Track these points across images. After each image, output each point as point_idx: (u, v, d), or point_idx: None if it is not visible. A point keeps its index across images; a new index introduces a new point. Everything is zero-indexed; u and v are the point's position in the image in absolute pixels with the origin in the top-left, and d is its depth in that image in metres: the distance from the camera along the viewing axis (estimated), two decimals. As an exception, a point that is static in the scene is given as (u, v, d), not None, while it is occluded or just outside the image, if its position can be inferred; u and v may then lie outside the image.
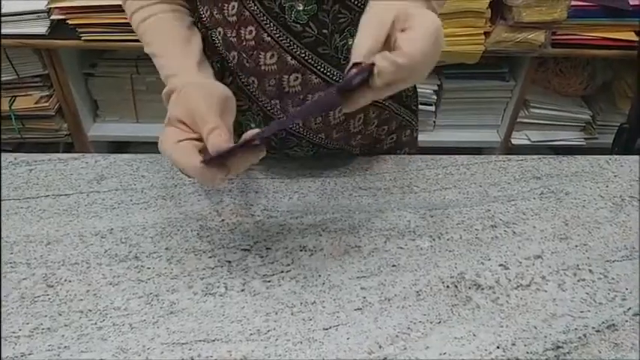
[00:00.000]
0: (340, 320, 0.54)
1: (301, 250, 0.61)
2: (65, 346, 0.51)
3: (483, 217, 0.66)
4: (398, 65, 0.45)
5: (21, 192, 0.68)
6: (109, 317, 0.54)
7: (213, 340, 0.52)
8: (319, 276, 0.58)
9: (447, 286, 0.58)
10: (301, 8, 0.59)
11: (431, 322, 0.54)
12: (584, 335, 0.54)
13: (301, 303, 0.56)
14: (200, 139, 0.51)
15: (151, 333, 0.53)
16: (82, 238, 0.62)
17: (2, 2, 1.37)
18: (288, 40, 0.61)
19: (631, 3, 1.43)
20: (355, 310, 0.55)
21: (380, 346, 0.52)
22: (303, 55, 0.62)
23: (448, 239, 0.63)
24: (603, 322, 0.55)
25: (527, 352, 0.52)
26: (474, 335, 0.53)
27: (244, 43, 0.62)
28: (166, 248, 0.61)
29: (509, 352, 0.52)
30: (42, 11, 1.41)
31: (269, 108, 0.66)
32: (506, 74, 1.63)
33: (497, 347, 0.52)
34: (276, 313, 0.55)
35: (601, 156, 0.78)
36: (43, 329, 0.53)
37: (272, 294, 0.57)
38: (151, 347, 0.51)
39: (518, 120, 1.68)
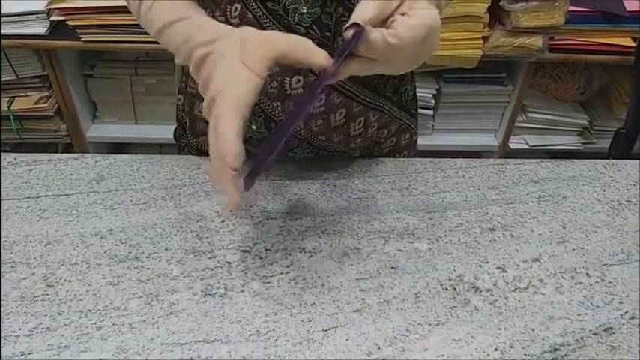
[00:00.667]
0: (339, 321, 0.55)
1: (300, 252, 0.62)
2: (65, 346, 0.51)
3: (481, 220, 0.67)
4: (387, 43, 0.47)
5: (21, 192, 0.68)
6: (109, 317, 0.54)
7: (213, 341, 0.52)
8: (318, 277, 0.59)
9: (446, 289, 0.58)
10: (305, 11, 0.60)
11: (429, 324, 0.55)
12: (582, 338, 0.54)
13: (300, 304, 0.56)
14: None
15: (150, 333, 0.53)
16: (82, 238, 0.62)
17: (2, 2, 1.37)
18: None
19: (627, 9, 1.44)
20: (354, 311, 0.56)
21: (379, 348, 0.52)
22: (305, 57, 0.62)
23: (447, 242, 0.64)
24: (600, 325, 0.56)
25: (525, 355, 0.52)
26: (472, 337, 0.54)
27: (246, 46, 0.63)
28: (166, 249, 0.61)
29: (507, 354, 0.52)
30: (41, 12, 1.41)
31: (270, 110, 0.67)
32: (504, 79, 1.64)
33: (495, 349, 0.53)
34: (276, 314, 0.55)
35: (598, 160, 0.78)
36: (42, 328, 0.53)
37: (271, 295, 0.57)
38: (151, 347, 0.52)
39: (516, 124, 1.69)
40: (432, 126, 1.72)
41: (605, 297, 0.59)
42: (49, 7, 1.40)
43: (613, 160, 0.78)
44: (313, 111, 0.66)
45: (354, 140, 0.72)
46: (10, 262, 0.59)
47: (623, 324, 0.56)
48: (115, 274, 0.58)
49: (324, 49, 0.63)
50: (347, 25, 0.47)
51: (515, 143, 1.72)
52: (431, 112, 1.68)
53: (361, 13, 0.47)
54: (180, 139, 0.82)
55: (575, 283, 0.60)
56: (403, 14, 0.49)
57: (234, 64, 0.49)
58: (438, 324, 0.55)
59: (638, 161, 0.79)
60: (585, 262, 0.62)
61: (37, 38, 1.42)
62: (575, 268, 0.62)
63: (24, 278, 0.58)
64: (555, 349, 0.53)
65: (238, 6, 0.61)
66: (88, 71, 1.63)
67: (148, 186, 0.70)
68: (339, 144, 0.71)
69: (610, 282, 0.60)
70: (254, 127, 0.69)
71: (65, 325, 0.53)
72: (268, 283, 0.58)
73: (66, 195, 0.68)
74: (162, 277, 0.58)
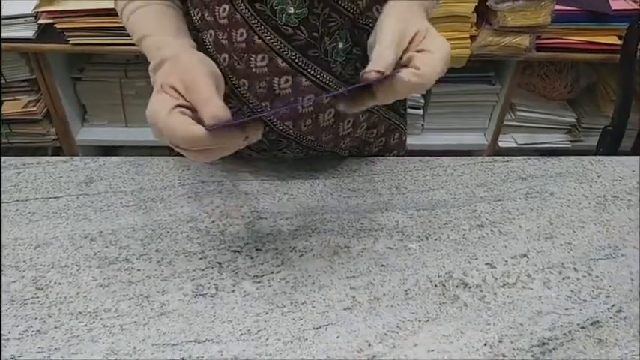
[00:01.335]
0: (330, 319, 0.55)
1: (291, 251, 0.62)
2: (55, 348, 0.51)
3: (470, 218, 0.68)
4: (412, 83, 0.50)
5: (10, 195, 0.68)
6: (100, 319, 0.54)
7: (204, 341, 0.53)
8: (309, 276, 0.59)
9: (435, 285, 0.59)
10: (292, 11, 0.60)
11: (419, 321, 0.55)
12: (569, 332, 0.55)
13: (291, 303, 0.56)
14: (193, 110, 0.49)
15: (141, 334, 0.53)
16: (72, 241, 0.62)
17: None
18: (279, 42, 0.62)
19: (613, 8, 1.46)
20: (345, 309, 0.56)
21: (369, 345, 0.53)
22: (294, 57, 0.63)
23: (436, 239, 0.64)
24: (588, 319, 0.56)
25: (514, 349, 0.53)
26: (462, 332, 0.54)
27: (235, 46, 0.63)
28: (156, 250, 0.61)
29: (496, 348, 0.53)
30: (29, 15, 1.40)
31: (259, 110, 0.67)
32: (493, 78, 1.66)
33: (485, 344, 0.53)
34: (267, 313, 0.55)
35: (584, 157, 0.79)
36: (33, 331, 0.53)
37: (262, 294, 0.57)
38: (142, 348, 0.52)
39: (505, 123, 1.70)
40: (422, 125, 1.73)
41: (593, 291, 0.59)
42: (36, 11, 1.40)
43: (599, 157, 0.79)
44: (302, 111, 0.67)
45: (343, 140, 0.73)
46: (-1, 266, 0.59)
47: (610, 317, 0.57)
48: (105, 276, 0.58)
49: (312, 49, 0.64)
50: (367, 70, 0.49)
51: (505, 142, 1.74)
52: (420, 111, 1.69)
53: (384, 59, 0.49)
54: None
55: (563, 278, 0.61)
56: (420, 51, 0.51)
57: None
58: (428, 320, 0.55)
59: (624, 157, 0.80)
60: (572, 257, 0.63)
61: (25, 42, 1.41)
62: (562, 263, 0.62)
63: (13, 281, 0.57)
64: (543, 344, 0.54)
65: (227, 7, 0.62)
66: (77, 74, 1.63)
67: (138, 188, 0.70)
68: (328, 144, 0.72)
69: (597, 276, 0.61)
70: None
71: (56, 327, 0.53)
72: (259, 282, 0.58)
73: (55, 198, 0.68)
74: (153, 279, 0.58)
